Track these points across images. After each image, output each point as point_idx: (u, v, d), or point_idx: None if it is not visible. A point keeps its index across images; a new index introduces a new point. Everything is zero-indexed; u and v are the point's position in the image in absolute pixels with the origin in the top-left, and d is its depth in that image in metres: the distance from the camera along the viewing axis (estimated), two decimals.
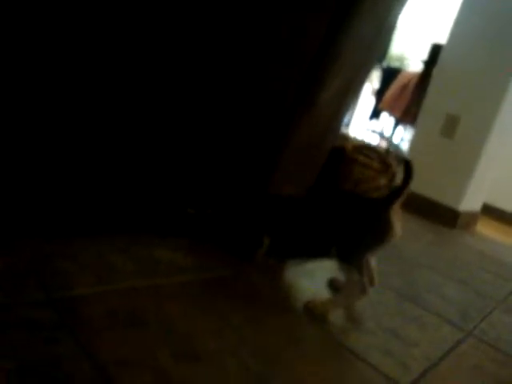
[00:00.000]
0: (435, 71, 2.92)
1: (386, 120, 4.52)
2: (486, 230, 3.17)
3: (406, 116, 3.69)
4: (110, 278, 0.87)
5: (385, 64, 4.74)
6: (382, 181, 2.25)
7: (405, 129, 4.32)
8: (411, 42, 5.93)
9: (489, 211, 3.79)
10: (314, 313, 1.02)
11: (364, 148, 2.21)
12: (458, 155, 2.72)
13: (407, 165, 1.05)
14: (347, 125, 4.72)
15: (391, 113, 4.15)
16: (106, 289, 0.83)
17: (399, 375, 0.88)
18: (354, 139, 2.41)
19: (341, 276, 1.19)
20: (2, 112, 0.81)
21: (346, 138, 2.24)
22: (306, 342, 0.89)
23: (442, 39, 2.96)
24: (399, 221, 1.08)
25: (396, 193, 1.06)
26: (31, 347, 0.63)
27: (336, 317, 1.05)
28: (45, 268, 0.84)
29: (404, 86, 4.06)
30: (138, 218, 1.08)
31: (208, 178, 1.17)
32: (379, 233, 1.05)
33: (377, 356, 0.93)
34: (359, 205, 1.13)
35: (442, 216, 2.71)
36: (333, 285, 1.19)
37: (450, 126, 2.75)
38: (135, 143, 1.05)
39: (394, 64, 4.96)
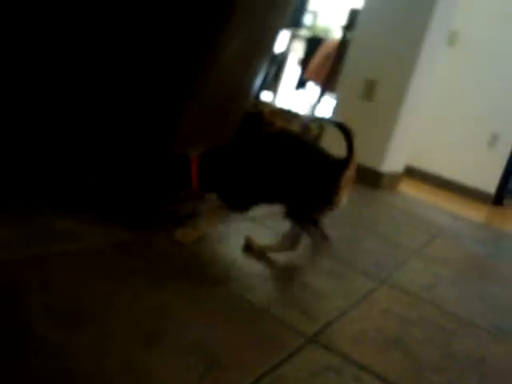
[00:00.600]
0: (352, 37, 2.96)
1: (312, 89, 4.56)
2: (409, 190, 3.32)
3: (329, 83, 3.74)
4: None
5: (310, 35, 4.77)
6: None
7: (331, 97, 4.38)
8: (335, 12, 6.00)
9: (413, 173, 3.98)
10: (253, 249, 1.15)
11: (282, 113, 2.21)
12: (378, 118, 2.80)
13: (342, 127, 1.05)
14: (274, 94, 4.73)
15: (316, 81, 4.19)
16: None
17: (304, 326, 0.88)
18: (273, 105, 2.41)
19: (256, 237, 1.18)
20: None
21: (264, 104, 2.23)
22: (209, 302, 0.86)
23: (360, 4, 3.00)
24: (347, 190, 1.07)
25: (347, 158, 1.05)
26: None
27: (245, 275, 1.04)
28: None
29: (327, 55, 4.10)
30: (39, 191, 1.00)
31: (107, 143, 1.09)
32: (329, 195, 1.04)
33: (283, 309, 0.92)
34: (312, 160, 1.07)
35: (366, 177, 2.79)
36: (248, 246, 1.17)
37: (369, 90, 2.81)
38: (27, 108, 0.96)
39: (320, 35, 5.00)
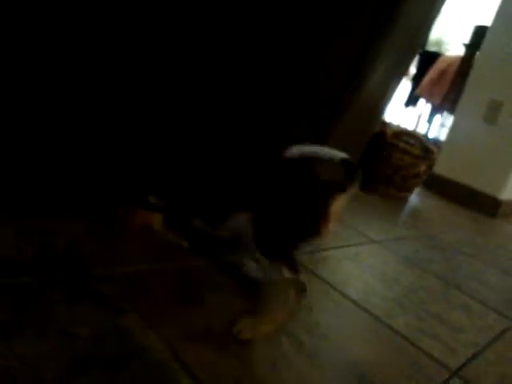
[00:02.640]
0: (479, 55, 2.83)
1: (423, 106, 4.41)
2: None
3: (445, 102, 3.60)
4: None
5: (422, 49, 4.61)
6: (422, 167, 2.22)
7: (442, 115, 4.21)
8: (450, 25, 5.73)
9: None
10: (241, 338, 0.73)
11: (404, 134, 2.18)
12: (501, 142, 2.64)
13: (346, 163, 0.83)
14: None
15: (429, 99, 4.05)
16: None
17: (448, 359, 0.89)
18: (394, 125, 2.38)
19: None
20: None
21: (385, 123, 2.22)
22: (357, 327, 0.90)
23: (486, 21, 2.86)
24: (336, 219, 0.83)
25: (342, 184, 0.81)
26: (102, 317, 0.67)
27: (377, 300, 1.06)
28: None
29: (443, 72, 3.94)
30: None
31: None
32: (314, 222, 0.80)
33: (425, 340, 0.93)
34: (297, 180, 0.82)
35: (483, 205, 2.65)
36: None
37: (493, 111, 2.67)
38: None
39: (432, 49, 4.82)
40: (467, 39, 3.46)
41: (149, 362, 0.61)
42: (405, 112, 4.59)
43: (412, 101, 4.34)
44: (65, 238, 0.86)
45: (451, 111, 3.49)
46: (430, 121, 4.13)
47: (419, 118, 4.55)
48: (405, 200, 2.34)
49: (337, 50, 1.11)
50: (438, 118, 4.25)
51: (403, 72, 1.49)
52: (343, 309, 0.97)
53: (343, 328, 0.89)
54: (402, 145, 2.00)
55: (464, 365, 0.89)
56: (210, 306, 0.80)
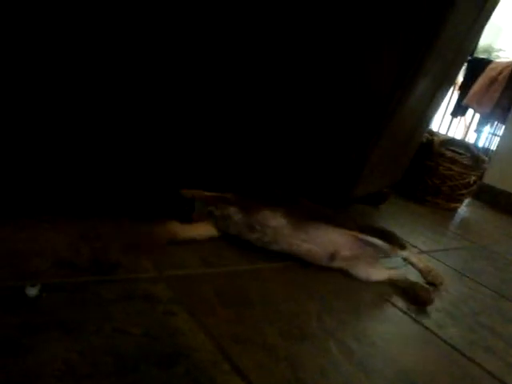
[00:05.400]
0: None
1: (472, 116, 4.27)
2: None
3: (495, 111, 3.46)
4: None
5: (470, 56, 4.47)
6: (472, 177, 2.14)
7: (492, 125, 4.05)
8: (501, 32, 5.54)
9: None
10: None
11: (452, 143, 2.12)
12: None
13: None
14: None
15: (478, 108, 3.91)
16: None
17: (503, 373, 0.85)
18: (442, 135, 2.32)
19: None
20: None
21: (432, 133, 2.16)
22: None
23: None
24: None
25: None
26: (153, 318, 0.70)
27: (426, 309, 1.03)
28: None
29: (493, 79, 3.80)
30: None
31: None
32: None
33: (478, 352, 0.90)
34: None
35: None
36: None
37: None
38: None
39: (481, 56, 4.66)
40: None
41: (198, 362, 0.63)
42: (453, 122, 4.45)
43: (460, 110, 4.21)
44: (119, 243, 0.90)
45: (502, 120, 3.36)
46: (479, 130, 3.98)
47: (468, 127, 4.40)
48: (454, 211, 2.26)
49: (381, 64, 1.11)
50: (487, 128, 4.10)
51: (450, 82, 1.46)
52: (391, 317, 0.95)
53: (391, 336, 0.87)
54: (449, 154, 1.94)
55: None
56: (260, 309, 0.81)
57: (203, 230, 1.00)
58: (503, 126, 3.23)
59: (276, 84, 1.02)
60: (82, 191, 0.94)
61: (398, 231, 1.53)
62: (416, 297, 1.02)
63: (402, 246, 1.11)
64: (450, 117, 4.32)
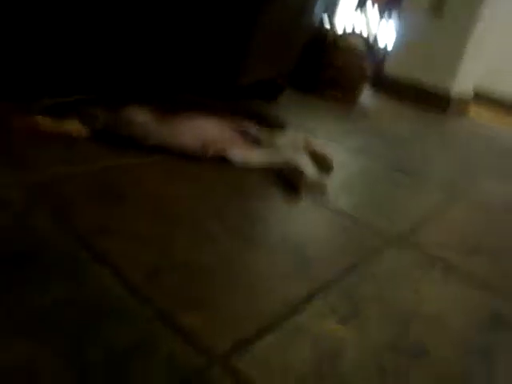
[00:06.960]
0: None
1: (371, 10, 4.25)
2: (479, 115, 3.12)
3: (392, 2, 3.46)
4: None
5: None
6: (369, 68, 2.16)
7: (389, 16, 4.08)
8: None
9: (483, 98, 3.71)
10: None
11: (348, 35, 2.09)
12: (447, 36, 2.59)
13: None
14: (332, 15, 4.45)
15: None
16: None
17: (389, 228, 0.90)
18: (336, 28, 2.28)
19: None
20: None
21: (325, 27, 2.11)
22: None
23: None
24: None
25: None
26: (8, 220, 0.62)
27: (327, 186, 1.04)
28: None
29: None
30: None
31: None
32: None
33: (368, 215, 0.94)
34: None
35: (433, 101, 2.64)
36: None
37: (438, 4, 2.59)
38: None
39: None
40: None
41: (58, 257, 0.57)
42: (354, 16, 4.43)
43: (361, 3, 4.17)
44: None
45: (397, 8, 3.37)
46: (378, 23, 4.00)
47: (368, 21, 4.41)
48: (354, 102, 2.29)
49: None
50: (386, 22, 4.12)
51: None
52: (276, 198, 0.95)
53: (278, 214, 0.87)
54: (344, 45, 1.92)
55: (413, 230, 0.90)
56: (132, 202, 0.76)
57: (70, 125, 0.90)
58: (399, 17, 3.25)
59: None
60: None
61: (297, 122, 1.53)
62: (290, 181, 1.00)
63: (282, 126, 1.10)
64: (355, 13, 4.29)
